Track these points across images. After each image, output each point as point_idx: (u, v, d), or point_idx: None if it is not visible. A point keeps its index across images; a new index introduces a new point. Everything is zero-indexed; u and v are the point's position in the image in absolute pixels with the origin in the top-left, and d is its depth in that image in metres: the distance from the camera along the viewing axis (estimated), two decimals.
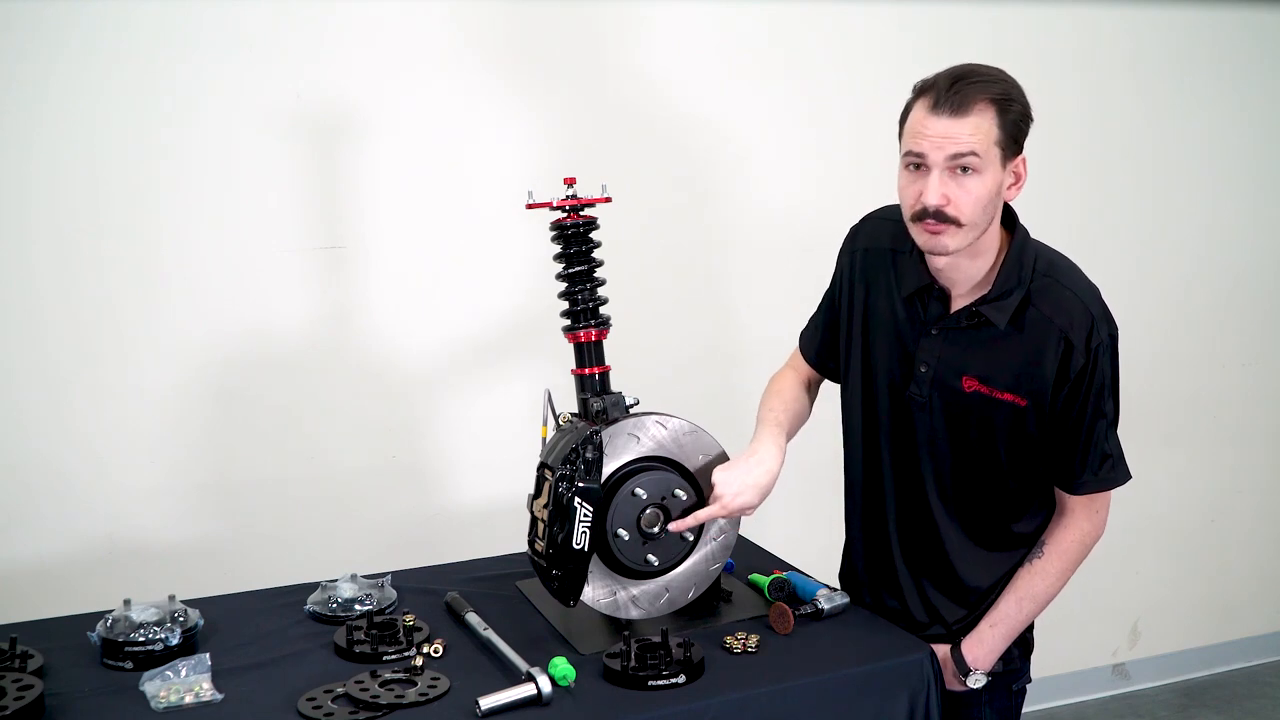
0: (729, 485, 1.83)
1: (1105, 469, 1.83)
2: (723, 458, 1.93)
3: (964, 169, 1.68)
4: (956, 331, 1.82)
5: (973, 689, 1.89)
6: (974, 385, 1.81)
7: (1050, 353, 1.76)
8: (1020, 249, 1.79)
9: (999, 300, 1.78)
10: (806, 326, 2.11)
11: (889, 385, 1.91)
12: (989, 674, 1.89)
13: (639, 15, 2.82)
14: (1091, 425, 1.80)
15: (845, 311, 1.98)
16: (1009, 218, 1.82)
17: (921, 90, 1.72)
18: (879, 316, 1.92)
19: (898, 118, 1.78)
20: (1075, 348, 1.75)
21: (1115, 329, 1.81)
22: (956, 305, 1.83)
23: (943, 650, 1.90)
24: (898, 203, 1.82)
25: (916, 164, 1.71)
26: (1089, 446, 1.81)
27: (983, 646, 1.88)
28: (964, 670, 1.88)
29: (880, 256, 1.92)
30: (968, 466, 1.87)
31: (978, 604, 1.92)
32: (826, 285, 2.07)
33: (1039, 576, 1.87)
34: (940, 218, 1.70)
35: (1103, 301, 1.81)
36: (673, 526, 1.84)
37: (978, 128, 1.67)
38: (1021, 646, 1.96)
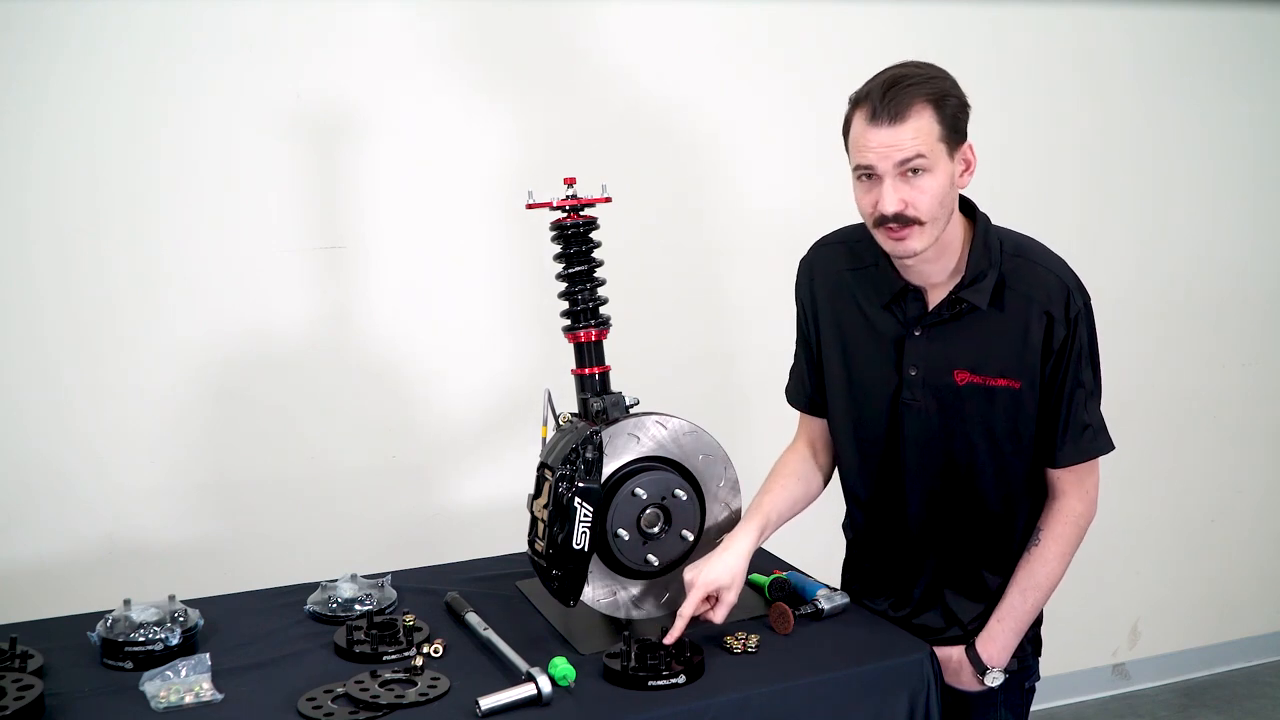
0: (694, 571, 1.83)
1: (1086, 438, 1.84)
2: (724, 458, 1.93)
3: (914, 170, 1.69)
4: (940, 326, 1.83)
5: (991, 687, 1.89)
6: (966, 377, 1.82)
7: (1034, 329, 1.78)
8: (985, 234, 1.82)
9: (975, 284, 1.80)
10: (790, 379, 2.08)
11: (880, 398, 1.89)
12: (1005, 671, 1.89)
13: (640, 15, 2.82)
14: (1071, 395, 1.81)
15: (818, 341, 1.99)
16: (969, 208, 1.84)
17: (857, 102, 1.73)
18: (856, 335, 1.92)
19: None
20: (1056, 319, 1.78)
21: (1088, 297, 1.83)
22: (934, 300, 1.84)
23: (957, 652, 1.90)
24: (838, 227, 1.93)
25: (868, 174, 1.73)
26: (1069, 416, 1.82)
27: (995, 644, 1.89)
28: (981, 669, 1.88)
29: (839, 279, 1.93)
30: (970, 465, 1.87)
31: (992, 601, 1.92)
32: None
33: (1039, 563, 1.88)
34: (901, 220, 1.72)
35: (1073, 272, 1.83)
36: (669, 639, 1.77)
37: (918, 130, 1.68)
38: (1033, 644, 1.97)
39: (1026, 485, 1.89)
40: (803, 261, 2.02)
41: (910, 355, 1.85)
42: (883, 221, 1.73)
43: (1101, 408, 1.88)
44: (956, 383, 1.82)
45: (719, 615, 1.82)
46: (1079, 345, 1.80)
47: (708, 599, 1.83)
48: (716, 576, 1.81)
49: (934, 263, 1.80)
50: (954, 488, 1.89)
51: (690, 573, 1.83)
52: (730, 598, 1.82)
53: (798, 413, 2.09)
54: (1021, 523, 1.91)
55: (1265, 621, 3.84)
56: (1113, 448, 1.87)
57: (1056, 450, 1.84)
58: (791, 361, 2.08)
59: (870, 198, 1.73)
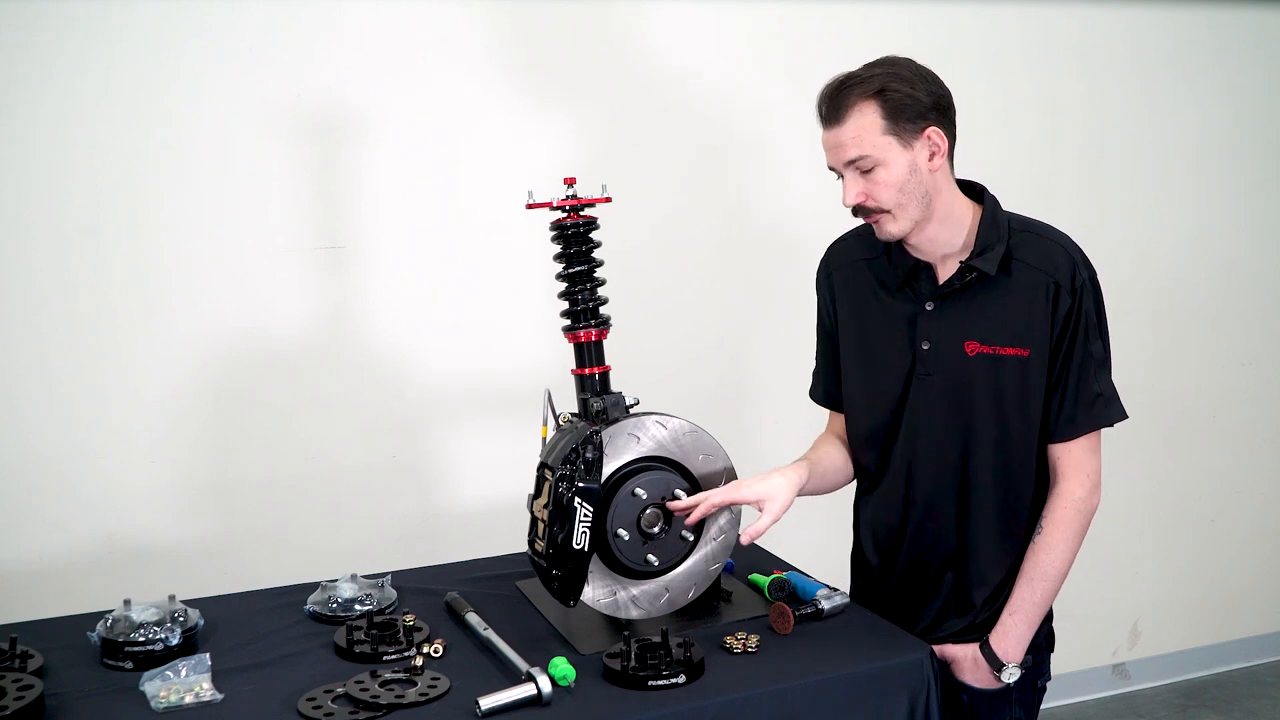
0: (744, 479, 1.86)
1: (1098, 406, 1.86)
2: (724, 458, 1.93)
3: (863, 169, 1.79)
4: (951, 297, 1.87)
5: (1007, 684, 1.90)
6: (976, 348, 1.85)
7: (1041, 299, 1.82)
8: (993, 213, 1.88)
9: (984, 254, 1.84)
10: (813, 380, 2.13)
11: (895, 376, 1.92)
12: (1021, 666, 1.90)
13: (641, 15, 2.82)
14: (1081, 365, 1.85)
15: (839, 332, 2.02)
16: (976, 191, 1.90)
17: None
18: (872, 320, 1.96)
19: None
20: (1062, 288, 1.82)
21: (1094, 271, 1.87)
22: (944, 275, 1.88)
23: (972, 649, 1.91)
24: (845, 228, 2.02)
25: (836, 174, 1.85)
26: (1080, 386, 1.85)
27: (1008, 638, 1.90)
28: (997, 666, 1.89)
29: (855, 269, 2.00)
30: (977, 439, 1.88)
31: (1001, 590, 1.93)
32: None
33: (1044, 552, 1.88)
34: (865, 211, 1.83)
35: (1079, 247, 1.88)
36: (675, 505, 1.85)
37: (858, 128, 1.77)
38: (1047, 640, 1.99)
39: (1031, 467, 1.90)
40: (820, 263, 2.08)
41: (923, 329, 1.89)
42: (856, 213, 1.85)
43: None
44: (967, 353, 1.86)
45: (763, 524, 1.81)
46: (1086, 316, 1.84)
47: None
48: (762, 491, 1.83)
49: (937, 236, 1.86)
50: (960, 466, 1.90)
51: (738, 481, 1.86)
52: (774, 510, 1.83)
53: (826, 411, 2.12)
54: (1026, 509, 1.91)
55: (1265, 621, 3.84)
56: (1125, 416, 1.90)
57: (1069, 420, 1.86)
58: (814, 362, 2.12)
59: (842, 194, 1.84)
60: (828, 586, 1.97)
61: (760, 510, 1.84)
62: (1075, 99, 3.25)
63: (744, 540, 1.85)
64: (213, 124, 2.51)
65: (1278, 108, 3.52)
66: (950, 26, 3.06)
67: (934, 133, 1.79)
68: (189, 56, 2.47)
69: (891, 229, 1.82)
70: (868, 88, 1.77)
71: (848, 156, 1.78)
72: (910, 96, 1.77)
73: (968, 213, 1.87)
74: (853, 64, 1.84)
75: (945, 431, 1.90)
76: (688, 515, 1.86)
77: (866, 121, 1.77)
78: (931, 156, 1.80)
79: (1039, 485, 1.92)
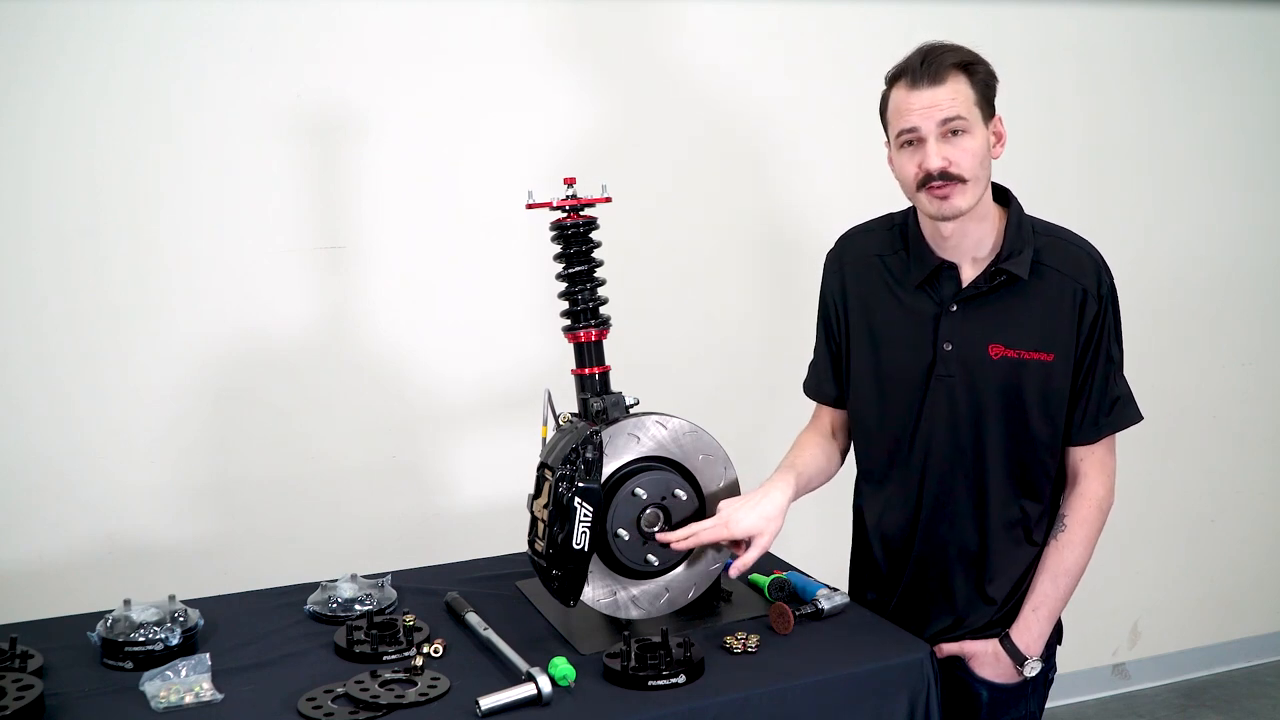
0: (733, 509, 1.84)
1: (1118, 409, 1.88)
2: (724, 459, 1.93)
3: (954, 132, 1.77)
4: (977, 300, 1.86)
5: (1028, 678, 1.92)
6: (1001, 351, 1.85)
7: (1068, 304, 1.83)
8: (1018, 216, 1.88)
9: (1012, 258, 1.84)
10: (809, 372, 2.11)
11: (912, 376, 1.91)
12: (1041, 659, 1.92)
13: (642, 15, 2.82)
14: (1105, 370, 1.86)
15: (845, 328, 2.01)
16: (1002, 194, 1.90)
17: (896, 75, 1.83)
18: (888, 317, 1.94)
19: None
20: (1090, 295, 1.84)
21: (1113, 276, 1.90)
22: (968, 277, 1.87)
23: (993, 645, 1.92)
24: (865, 220, 2.01)
25: (910, 140, 1.80)
26: (1105, 390, 1.86)
27: (1031, 632, 1.91)
28: (1020, 660, 1.90)
29: (870, 265, 1.97)
30: (1000, 441, 1.88)
31: (1017, 589, 1.94)
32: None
33: (1067, 549, 1.90)
34: (945, 177, 1.77)
35: (1099, 252, 1.90)
36: (665, 537, 1.83)
37: (956, 92, 1.78)
38: (1056, 634, 1.99)
39: (1050, 468, 1.90)
40: (830, 253, 2.05)
41: (946, 331, 1.88)
42: (927, 181, 1.79)
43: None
44: (990, 356, 1.86)
45: (750, 557, 1.82)
46: (1109, 322, 1.86)
47: (737, 543, 1.84)
48: (751, 526, 1.82)
49: (972, 233, 1.85)
50: (977, 466, 1.90)
51: (727, 511, 1.84)
52: (764, 542, 1.82)
53: (813, 404, 2.11)
54: (1043, 509, 1.92)
55: (1265, 621, 3.84)
56: (1142, 417, 1.92)
57: (1094, 424, 1.87)
58: (811, 355, 2.11)
59: (914, 161, 1.80)
60: (828, 586, 1.98)
61: (749, 543, 1.83)
62: (1075, 99, 3.25)
63: (733, 573, 1.85)
64: (213, 124, 2.51)
65: (1278, 108, 3.52)
66: (950, 26, 3.03)
67: (999, 122, 1.84)
68: (189, 56, 2.47)
69: (960, 202, 1.79)
70: (960, 58, 1.79)
71: (945, 114, 1.77)
72: (990, 77, 1.82)
73: (994, 213, 1.88)
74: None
75: (964, 432, 1.89)
76: (688, 515, 1.86)
77: (961, 88, 1.78)
78: (995, 144, 1.83)
79: (1055, 484, 1.92)
